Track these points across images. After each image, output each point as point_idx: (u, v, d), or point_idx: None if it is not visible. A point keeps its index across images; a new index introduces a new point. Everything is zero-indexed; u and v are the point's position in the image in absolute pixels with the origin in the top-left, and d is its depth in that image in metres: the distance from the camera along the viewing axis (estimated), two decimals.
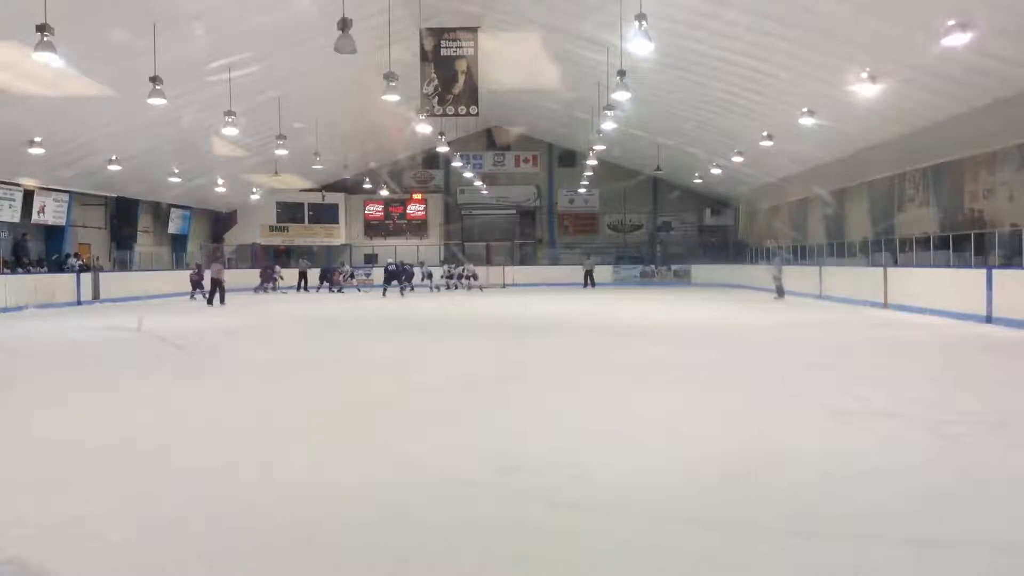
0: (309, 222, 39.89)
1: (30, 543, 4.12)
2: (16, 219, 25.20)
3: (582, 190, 40.47)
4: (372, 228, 41.51)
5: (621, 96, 17.08)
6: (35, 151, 21.30)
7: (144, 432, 6.77)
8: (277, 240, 39.54)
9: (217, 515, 4.57)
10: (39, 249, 27.19)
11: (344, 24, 12.77)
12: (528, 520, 4.44)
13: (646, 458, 5.73)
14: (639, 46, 13.82)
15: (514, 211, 41.42)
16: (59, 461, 5.82)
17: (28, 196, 25.35)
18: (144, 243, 32.85)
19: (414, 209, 41.56)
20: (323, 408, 7.80)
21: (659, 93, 23.42)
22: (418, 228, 41.41)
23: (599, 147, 29.28)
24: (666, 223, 41.49)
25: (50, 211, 26.70)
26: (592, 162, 31.86)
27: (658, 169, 32.44)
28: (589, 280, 34.79)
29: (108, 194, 29.85)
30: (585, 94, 25.34)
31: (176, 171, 27.85)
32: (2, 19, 14.19)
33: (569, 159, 40.62)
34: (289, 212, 39.57)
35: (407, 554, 3.99)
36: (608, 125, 21.49)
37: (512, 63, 23.57)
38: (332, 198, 39.90)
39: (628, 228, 41.68)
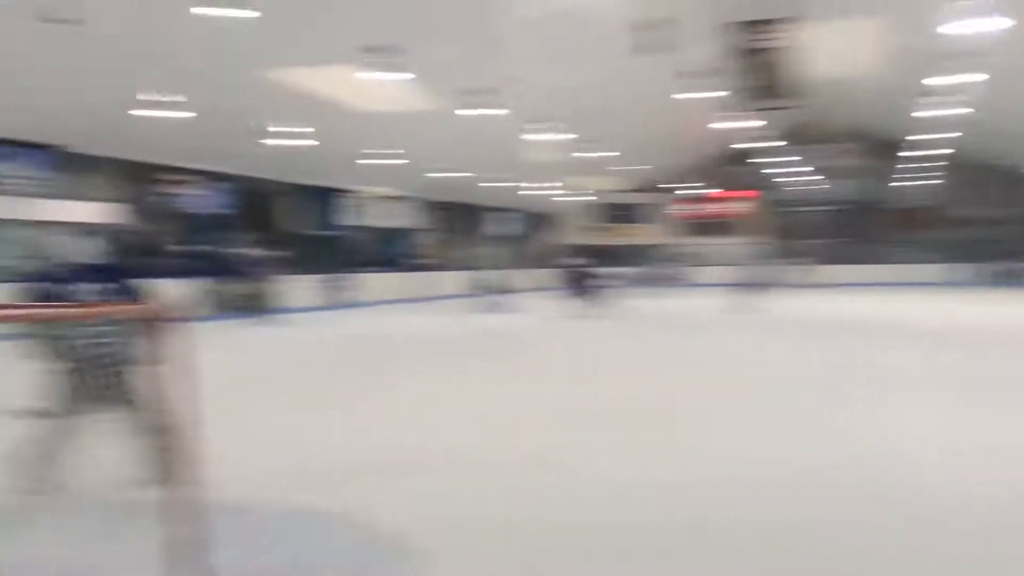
0: (622, 222, 40.71)
1: (380, 522, 4.65)
2: (369, 223, 28.80)
3: (915, 182, 37.14)
4: (685, 227, 41.42)
5: (958, 79, 15.53)
6: (380, 162, 23.86)
7: (447, 424, 7.39)
8: (593, 241, 40.69)
9: (526, 509, 4.83)
10: (388, 250, 30.52)
11: (650, 24, 12.88)
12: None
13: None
14: (987, 24, 12.54)
15: (834, 207, 39.16)
16: (405, 445, 6.56)
17: (378, 202, 28.86)
18: (476, 244, 35.68)
19: (726, 207, 40.85)
20: (627, 409, 7.85)
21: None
22: (730, 226, 40.65)
23: (935, 135, 26.76)
24: None
25: (399, 215, 29.96)
26: (927, 152, 29.20)
27: None
28: None
29: (443, 199, 32.84)
30: (911, 79, 23.29)
31: (496, 177, 29.74)
32: (345, 43, 16.00)
33: (894, 149, 37.50)
34: (603, 213, 40.65)
35: (725, 554, 4.08)
36: (945, 111, 19.57)
37: (830, 52, 22.28)
38: (644, 198, 40.36)
39: (982, 223, 37.06)
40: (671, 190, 40.01)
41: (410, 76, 16.39)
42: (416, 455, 6.07)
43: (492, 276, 22.73)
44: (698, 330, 16.54)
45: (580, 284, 20.02)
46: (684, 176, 38.60)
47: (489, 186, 30.70)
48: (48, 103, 15.87)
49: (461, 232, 35.28)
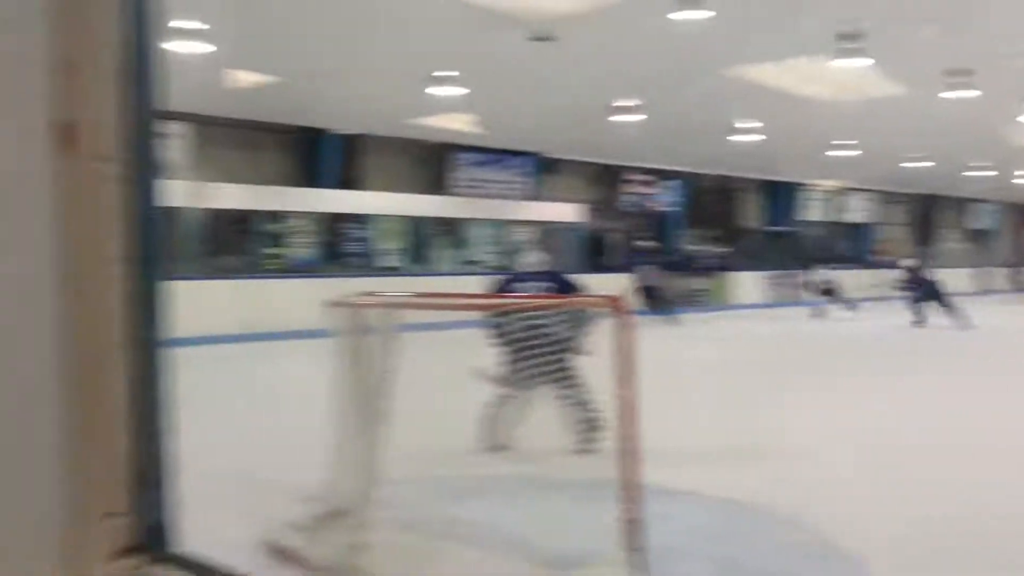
0: None
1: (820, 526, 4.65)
2: (824, 218, 28.00)
3: None
4: None
5: None
6: (841, 154, 22.87)
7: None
8: None
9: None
10: (844, 247, 29.16)
11: None
12: None
13: None
14: None
15: None
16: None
17: (835, 196, 27.70)
18: (946, 239, 32.46)
19: None
20: None
21: None
22: None
23: None
24: None
25: (857, 209, 28.68)
26: None
27: None
28: None
29: (909, 191, 30.43)
30: None
31: (977, 165, 26.73)
32: (805, 33, 15.51)
33: None
34: None
35: None
36: None
37: None
38: None
39: None
40: None
41: (875, 61, 15.44)
42: (861, 459, 5.96)
43: (837, 276, 20.49)
44: None
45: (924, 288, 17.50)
46: None
47: (969, 175, 27.65)
48: (531, 114, 17.88)
49: (928, 226, 32.23)
